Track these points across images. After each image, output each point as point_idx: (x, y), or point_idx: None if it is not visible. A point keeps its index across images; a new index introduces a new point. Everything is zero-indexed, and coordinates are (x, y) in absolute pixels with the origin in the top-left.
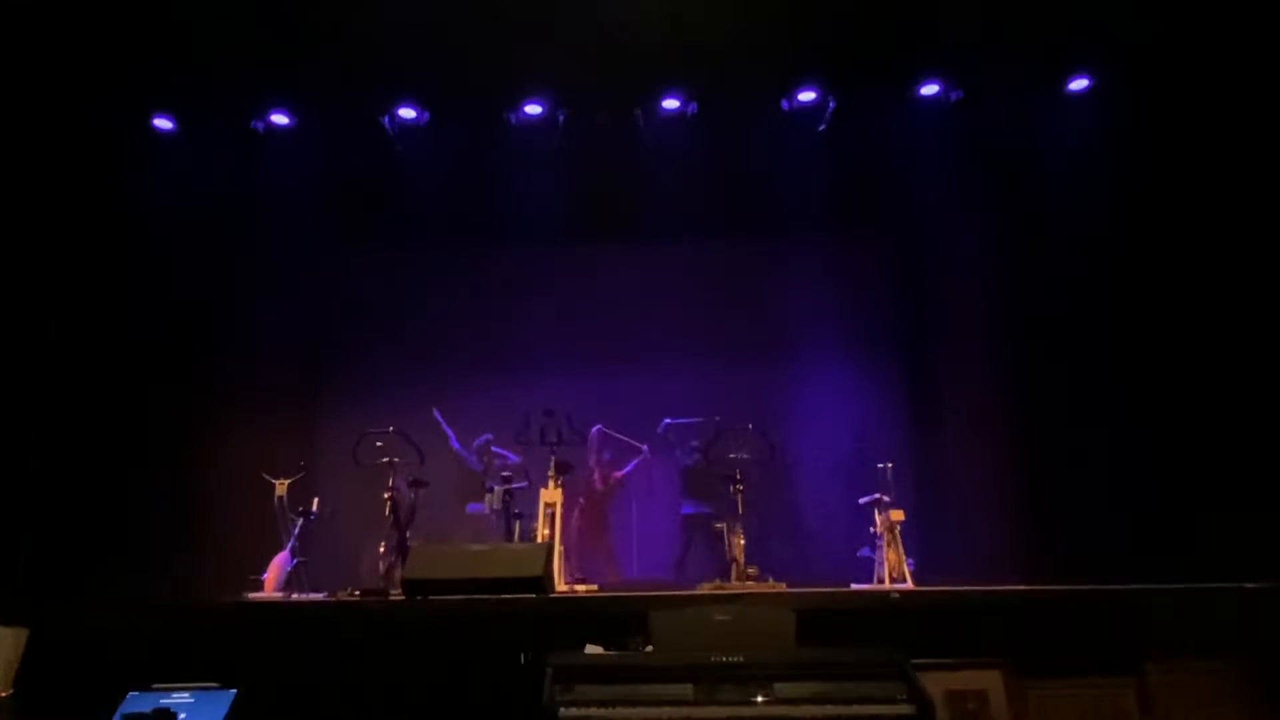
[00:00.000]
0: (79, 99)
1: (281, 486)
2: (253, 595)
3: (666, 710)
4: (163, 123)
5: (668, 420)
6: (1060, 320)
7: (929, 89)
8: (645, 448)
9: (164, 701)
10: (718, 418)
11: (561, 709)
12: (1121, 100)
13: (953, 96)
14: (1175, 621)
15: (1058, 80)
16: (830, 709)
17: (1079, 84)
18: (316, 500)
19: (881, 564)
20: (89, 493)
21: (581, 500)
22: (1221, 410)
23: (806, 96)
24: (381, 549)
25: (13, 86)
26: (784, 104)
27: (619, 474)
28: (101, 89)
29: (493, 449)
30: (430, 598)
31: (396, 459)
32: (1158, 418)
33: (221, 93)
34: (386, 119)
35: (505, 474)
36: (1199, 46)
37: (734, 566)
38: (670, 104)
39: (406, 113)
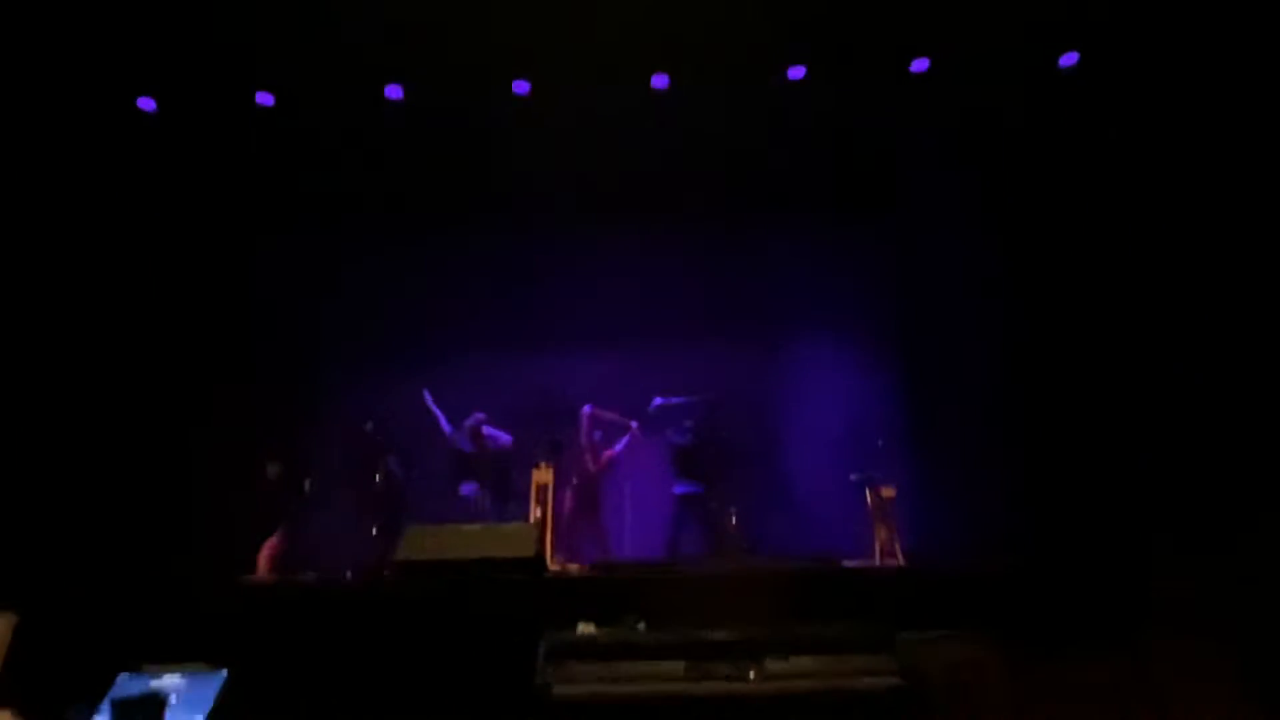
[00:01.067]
0: (62, 84)
1: (274, 468)
2: (245, 577)
3: (659, 686)
4: (147, 105)
5: (659, 400)
6: (1058, 297)
7: (919, 66)
8: (634, 424)
9: (154, 683)
10: (710, 396)
11: (555, 687)
12: (1120, 77)
13: (946, 75)
14: (1174, 598)
15: (1051, 57)
16: (822, 683)
17: (1068, 61)
18: (308, 482)
19: (873, 540)
20: (79, 473)
21: (574, 480)
22: (1221, 393)
23: (799, 75)
24: (374, 530)
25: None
26: (777, 82)
27: (610, 453)
28: (84, 73)
29: (484, 430)
30: (422, 579)
31: (388, 440)
32: (1157, 396)
33: (207, 77)
34: (375, 100)
35: (497, 455)
36: (1195, 25)
37: (727, 545)
38: (661, 83)
39: (395, 94)
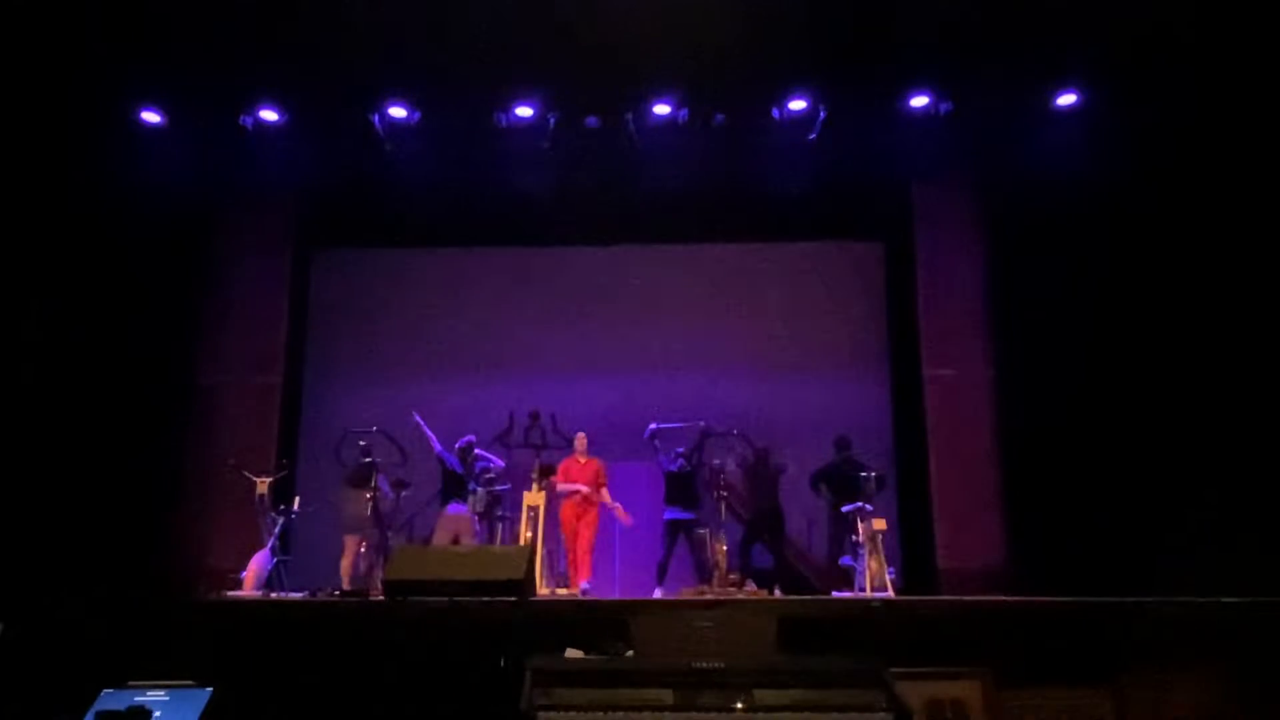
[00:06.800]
0: (64, 91)
1: (263, 485)
2: (232, 593)
3: (646, 715)
4: (150, 116)
5: (654, 425)
6: (1047, 329)
7: (919, 100)
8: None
9: (139, 699)
10: (702, 423)
11: (540, 712)
12: (1111, 114)
13: (942, 109)
14: (1153, 634)
15: (1046, 94)
16: (809, 716)
17: (1067, 99)
18: (298, 499)
19: (863, 573)
20: (66, 486)
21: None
22: (1215, 423)
23: (797, 105)
24: (363, 549)
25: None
26: (775, 112)
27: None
28: (88, 81)
29: (475, 452)
30: (410, 599)
31: (379, 459)
32: (1147, 429)
33: (211, 87)
34: (376, 117)
35: (488, 476)
36: (1186, 61)
37: (716, 573)
38: (661, 109)
39: (397, 111)
